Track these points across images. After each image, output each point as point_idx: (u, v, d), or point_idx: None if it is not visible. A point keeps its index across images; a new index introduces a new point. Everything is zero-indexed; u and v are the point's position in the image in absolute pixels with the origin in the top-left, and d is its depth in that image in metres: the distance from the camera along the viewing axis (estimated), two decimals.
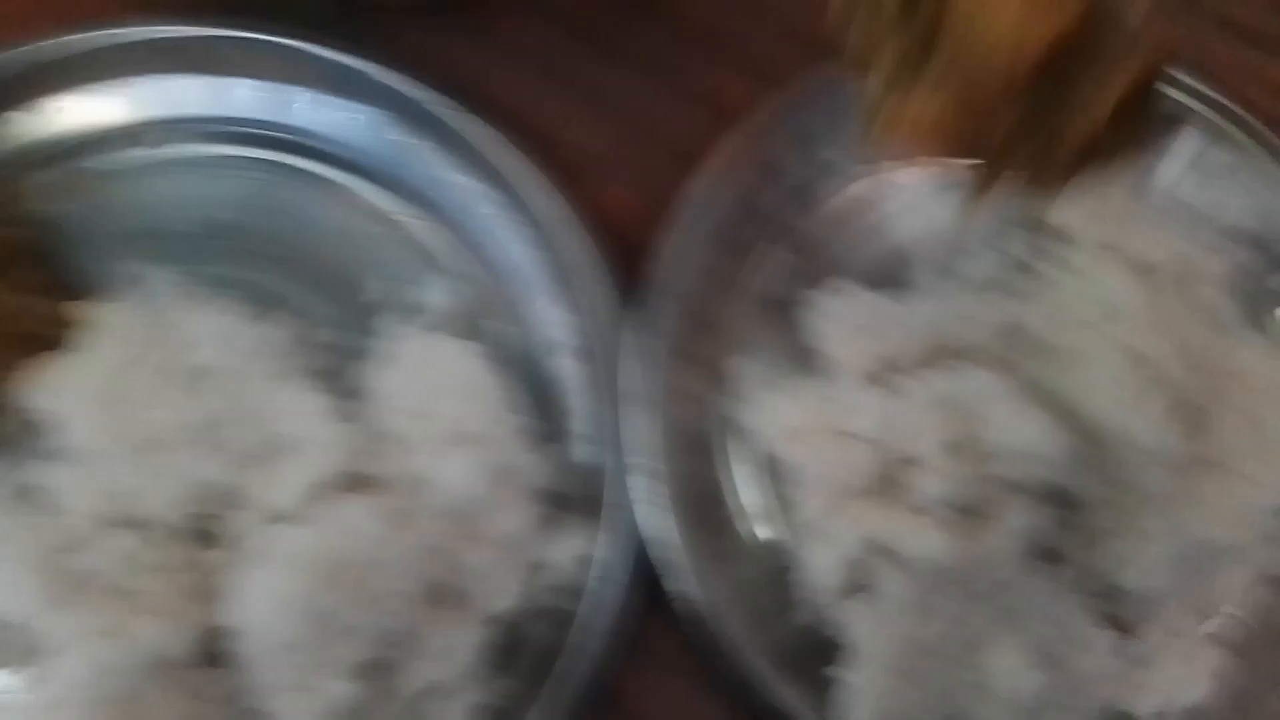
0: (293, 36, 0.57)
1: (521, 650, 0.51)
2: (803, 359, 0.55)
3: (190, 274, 0.55)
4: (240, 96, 0.58)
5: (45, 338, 0.53)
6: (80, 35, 0.56)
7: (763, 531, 0.54)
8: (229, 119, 0.58)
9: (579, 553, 0.51)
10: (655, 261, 0.54)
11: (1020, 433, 0.50)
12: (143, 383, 0.51)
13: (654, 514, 0.51)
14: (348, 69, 0.57)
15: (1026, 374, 0.52)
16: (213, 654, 0.48)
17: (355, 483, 0.51)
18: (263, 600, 0.47)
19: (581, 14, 0.63)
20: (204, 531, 0.50)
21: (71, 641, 0.45)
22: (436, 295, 0.56)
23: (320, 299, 0.56)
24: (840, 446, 0.52)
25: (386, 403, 0.52)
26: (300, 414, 0.51)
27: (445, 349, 0.54)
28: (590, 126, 0.61)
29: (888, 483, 0.51)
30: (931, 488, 0.50)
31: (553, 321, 0.56)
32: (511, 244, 0.57)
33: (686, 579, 0.50)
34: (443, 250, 0.57)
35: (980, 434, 0.51)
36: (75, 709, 0.45)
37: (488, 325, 0.55)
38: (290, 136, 0.58)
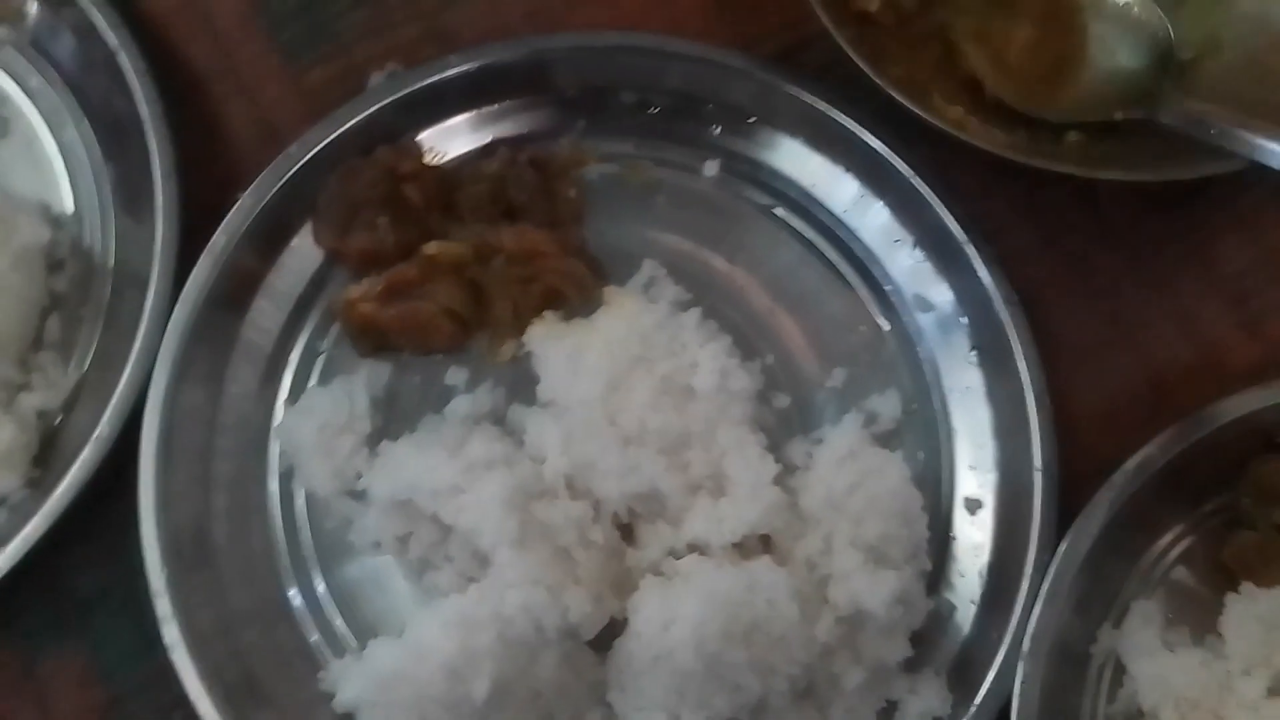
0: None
1: None
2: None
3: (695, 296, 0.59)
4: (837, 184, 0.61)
5: (565, 296, 0.58)
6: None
7: None
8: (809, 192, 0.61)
9: (932, 712, 0.53)
10: (1093, 504, 0.54)
11: None
12: (641, 380, 0.55)
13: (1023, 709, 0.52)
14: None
15: None
16: (603, 639, 0.51)
17: (769, 546, 0.54)
18: (663, 615, 0.50)
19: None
20: (630, 528, 0.54)
21: (518, 583, 0.48)
22: (889, 408, 0.58)
23: (788, 369, 0.59)
24: None
25: (819, 487, 0.55)
26: (750, 467, 0.54)
27: (879, 458, 0.56)
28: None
29: None
30: None
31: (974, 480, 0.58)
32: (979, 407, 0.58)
33: None
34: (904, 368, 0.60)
35: None
36: (489, 634, 0.49)
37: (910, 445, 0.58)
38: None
